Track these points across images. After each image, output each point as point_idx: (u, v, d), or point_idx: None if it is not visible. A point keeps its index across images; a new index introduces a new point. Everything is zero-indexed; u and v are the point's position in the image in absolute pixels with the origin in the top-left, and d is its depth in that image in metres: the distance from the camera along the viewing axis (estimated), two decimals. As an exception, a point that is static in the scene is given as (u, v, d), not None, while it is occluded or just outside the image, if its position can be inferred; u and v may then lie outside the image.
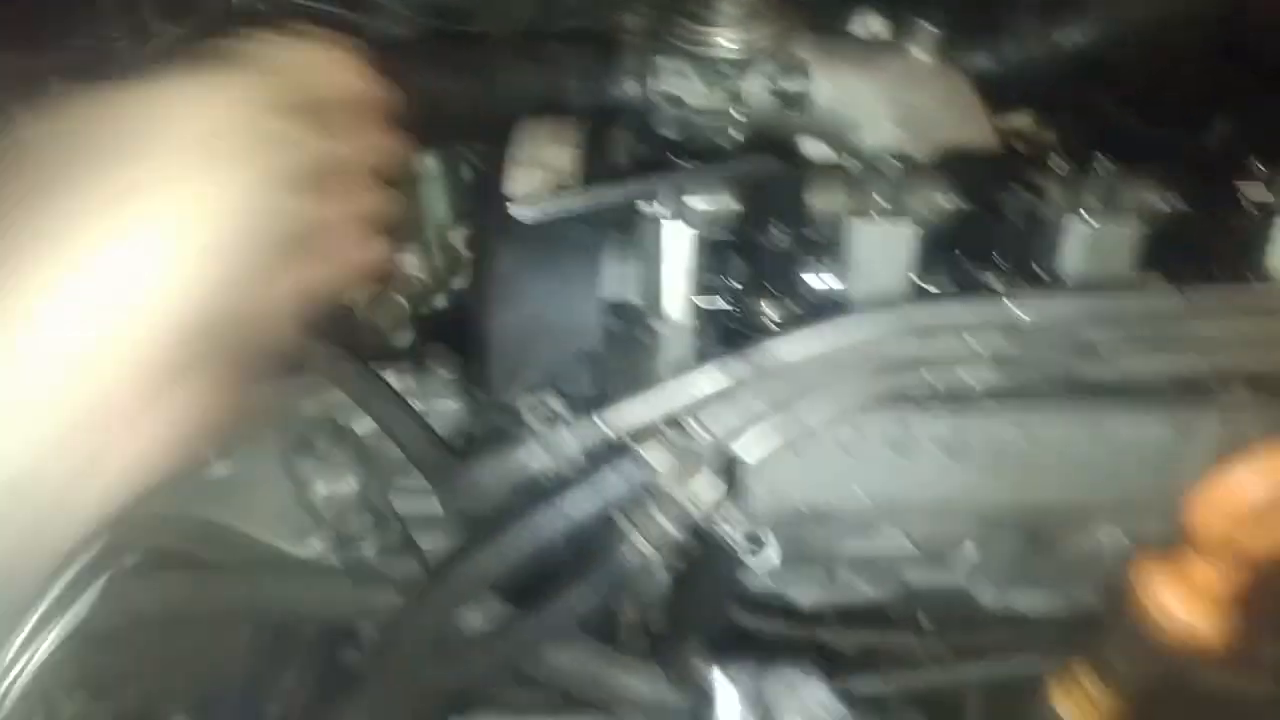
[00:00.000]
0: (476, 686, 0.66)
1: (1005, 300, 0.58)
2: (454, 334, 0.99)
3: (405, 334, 1.23)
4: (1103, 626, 0.58)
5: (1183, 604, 0.50)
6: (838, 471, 0.66)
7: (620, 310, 0.82)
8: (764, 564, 0.84)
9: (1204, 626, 0.50)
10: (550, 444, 0.59)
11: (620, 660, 0.66)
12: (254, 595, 0.75)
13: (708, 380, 0.59)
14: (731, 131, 1.02)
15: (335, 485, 0.92)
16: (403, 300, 1.22)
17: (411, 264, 1.26)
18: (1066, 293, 0.58)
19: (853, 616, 0.92)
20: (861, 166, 0.78)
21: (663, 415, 0.58)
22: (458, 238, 1.27)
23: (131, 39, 0.95)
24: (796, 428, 0.59)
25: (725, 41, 1.00)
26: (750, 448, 0.60)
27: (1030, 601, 0.88)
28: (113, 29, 0.94)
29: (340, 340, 1.02)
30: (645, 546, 0.58)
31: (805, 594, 0.89)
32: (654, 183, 0.68)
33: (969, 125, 1.04)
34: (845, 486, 0.67)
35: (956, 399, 0.63)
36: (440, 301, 1.29)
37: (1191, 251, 0.74)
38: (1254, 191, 0.81)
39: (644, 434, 0.57)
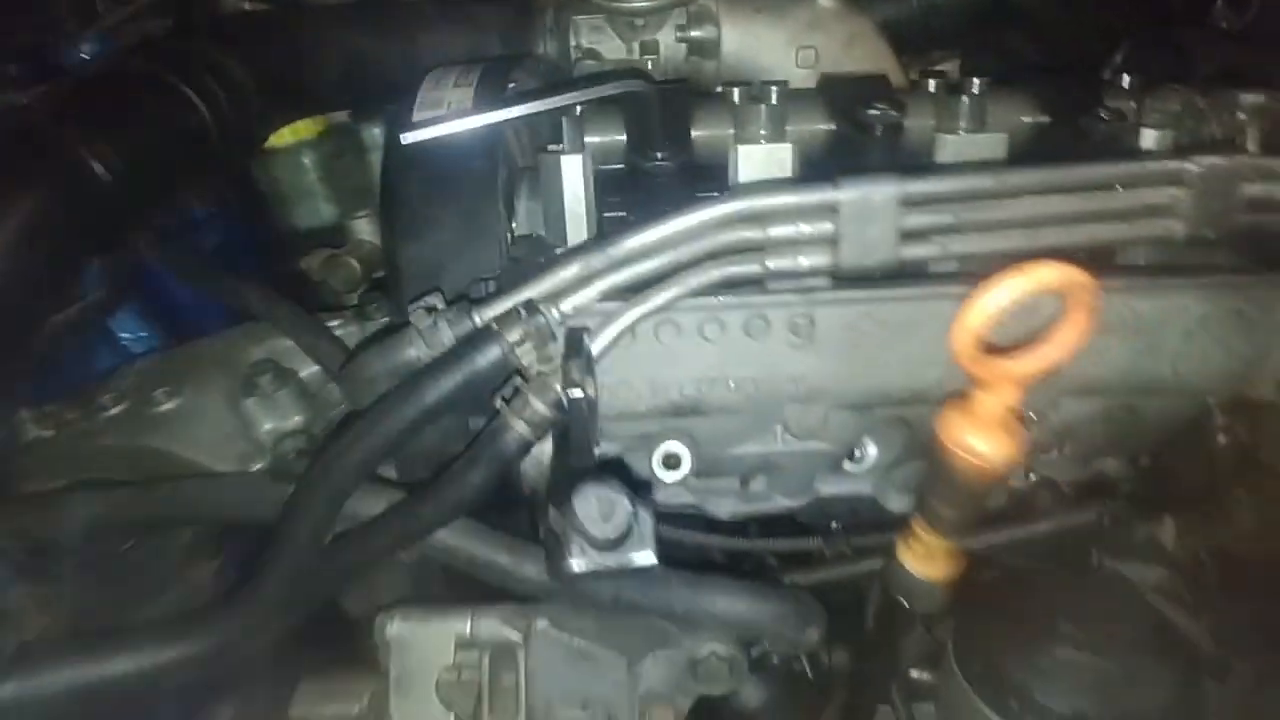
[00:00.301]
0: (373, 567, 0.72)
1: (828, 186, 0.63)
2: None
3: (359, 294, 1.30)
4: (926, 480, 0.63)
5: (975, 437, 0.54)
6: (704, 361, 0.72)
7: (530, 242, 0.89)
8: (680, 476, 0.91)
9: (998, 454, 0.54)
10: (428, 334, 0.65)
11: (506, 541, 0.72)
12: (184, 504, 0.81)
13: (566, 270, 0.65)
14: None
15: (279, 421, 0.99)
16: (355, 262, 1.29)
17: (363, 229, 1.33)
18: (888, 177, 0.63)
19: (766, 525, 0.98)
20: (743, 95, 0.84)
21: (523, 302, 0.64)
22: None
23: (80, 21, 1.03)
24: (645, 312, 0.65)
25: (637, -6, 1.06)
26: (602, 331, 0.65)
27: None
28: (62, 10, 1.01)
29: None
30: (521, 426, 0.65)
31: (721, 507, 0.95)
32: (527, 107, 0.73)
33: (874, 66, 1.09)
34: (712, 374, 0.73)
35: (804, 285, 0.68)
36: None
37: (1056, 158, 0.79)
38: (1116, 101, 0.87)
39: (505, 320, 0.63)
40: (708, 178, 0.85)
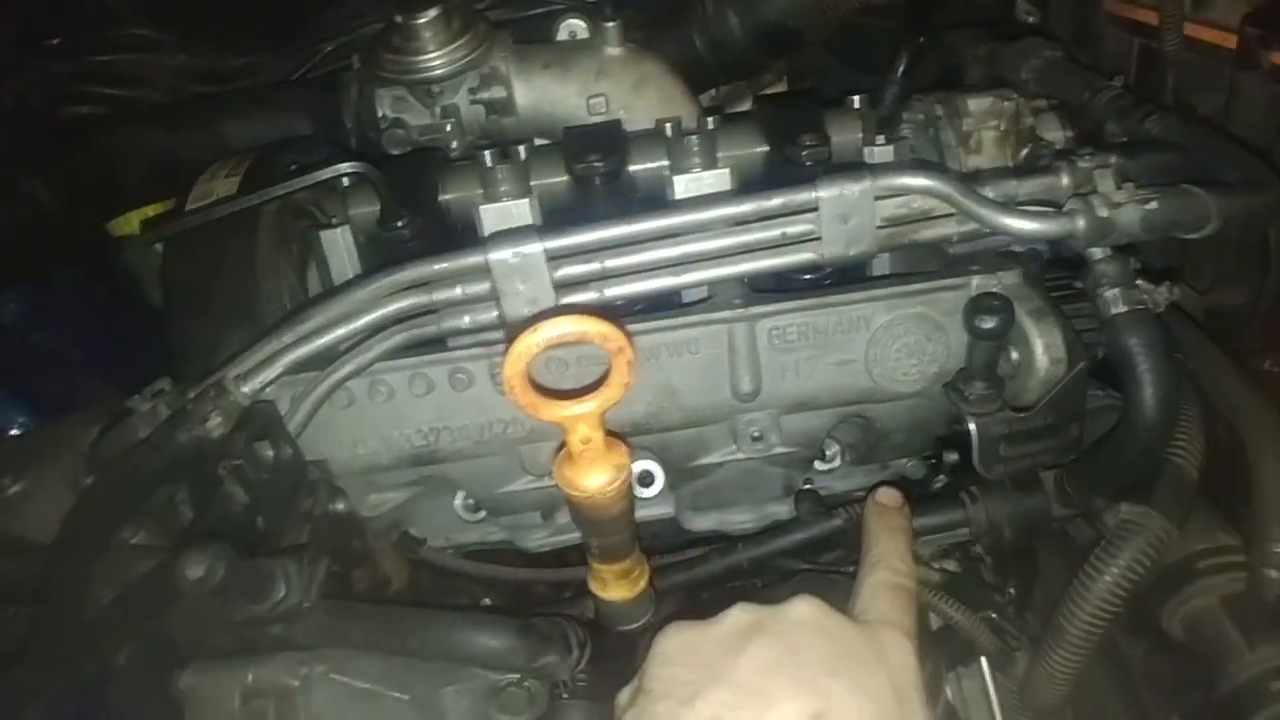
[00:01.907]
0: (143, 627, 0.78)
1: (477, 250, 0.69)
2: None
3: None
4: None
5: (571, 473, 0.58)
6: (422, 415, 0.78)
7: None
8: (480, 516, 0.97)
9: (590, 484, 0.58)
10: (149, 417, 0.72)
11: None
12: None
13: (259, 349, 0.71)
14: (453, 144, 1.14)
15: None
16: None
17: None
18: (532, 235, 0.69)
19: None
20: (493, 155, 0.90)
21: (218, 381, 0.70)
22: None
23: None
24: (335, 382, 0.71)
25: (430, 64, 1.13)
26: (301, 402, 0.72)
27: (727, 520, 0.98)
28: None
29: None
30: (239, 494, 0.71)
31: (531, 540, 1.00)
32: (251, 199, 0.80)
33: (665, 104, 1.14)
34: (434, 426, 0.78)
35: (490, 338, 0.74)
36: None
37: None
38: (844, 122, 0.91)
39: (199, 400, 0.70)
40: (454, 238, 0.91)
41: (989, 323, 0.66)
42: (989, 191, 0.70)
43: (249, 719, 0.83)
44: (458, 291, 0.70)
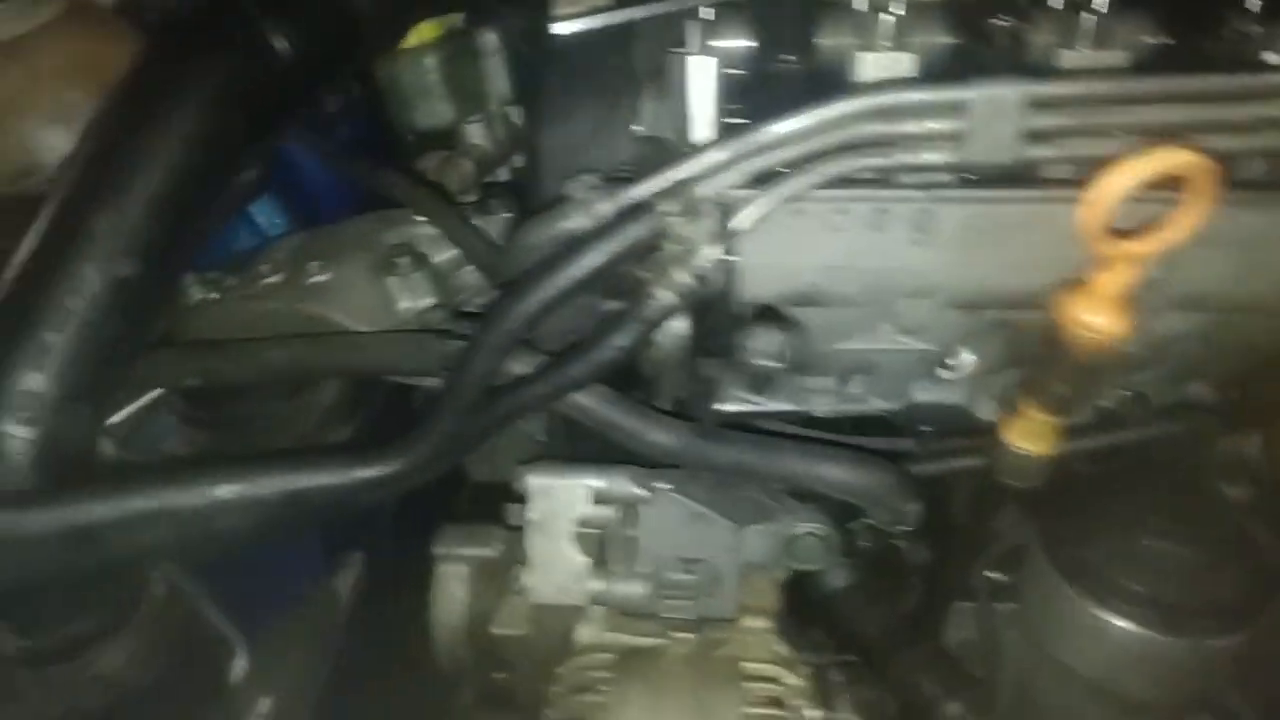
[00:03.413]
0: (518, 422, 0.80)
1: (960, 85, 0.68)
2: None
3: (472, 195, 1.38)
4: (1038, 361, 0.69)
5: (1090, 313, 0.60)
6: (829, 251, 0.78)
7: (653, 143, 0.95)
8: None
9: (1114, 328, 0.59)
10: (586, 206, 0.72)
11: (637, 407, 0.79)
12: (359, 355, 0.91)
13: (717, 153, 0.71)
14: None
15: (414, 300, 1.08)
16: (470, 164, 1.36)
17: (476, 133, 1.40)
18: (1016, 79, 0.68)
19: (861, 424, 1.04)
20: (869, 5, 0.88)
21: (676, 180, 0.71)
22: (516, 113, 1.38)
23: None
24: (785, 195, 0.71)
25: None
26: (745, 212, 0.72)
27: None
28: None
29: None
30: (666, 295, 0.72)
31: (819, 405, 1.01)
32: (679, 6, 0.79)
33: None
34: (836, 264, 0.79)
35: (928, 181, 0.74)
36: (503, 173, 1.42)
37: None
38: (1241, 23, 0.89)
39: (661, 195, 0.70)
40: (828, 85, 0.90)
41: None
42: None
43: (591, 523, 0.87)
44: (924, 126, 0.69)
